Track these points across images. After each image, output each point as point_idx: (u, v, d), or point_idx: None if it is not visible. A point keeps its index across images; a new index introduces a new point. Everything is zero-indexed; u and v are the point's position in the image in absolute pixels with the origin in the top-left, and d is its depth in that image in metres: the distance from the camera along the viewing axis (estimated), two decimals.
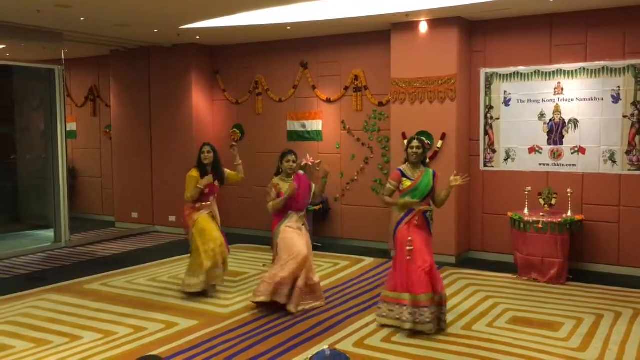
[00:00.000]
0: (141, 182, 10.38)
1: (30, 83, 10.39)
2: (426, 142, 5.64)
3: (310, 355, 1.85)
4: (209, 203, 6.41)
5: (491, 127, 7.80)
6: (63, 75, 9.19)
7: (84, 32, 8.58)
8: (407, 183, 5.27)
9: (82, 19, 7.60)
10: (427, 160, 5.51)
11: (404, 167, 5.37)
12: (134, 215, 10.53)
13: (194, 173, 6.28)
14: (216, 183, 6.41)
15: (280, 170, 5.96)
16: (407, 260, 5.11)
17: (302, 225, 5.95)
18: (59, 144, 9.12)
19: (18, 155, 11.22)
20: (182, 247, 8.86)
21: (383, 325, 5.27)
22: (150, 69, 10.21)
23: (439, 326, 5.13)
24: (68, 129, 9.78)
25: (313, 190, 6.07)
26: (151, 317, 5.67)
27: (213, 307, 5.96)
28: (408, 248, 5.12)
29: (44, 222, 9.87)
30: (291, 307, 5.68)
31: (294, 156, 5.93)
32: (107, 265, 7.88)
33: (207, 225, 6.28)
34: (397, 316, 5.14)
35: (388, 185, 5.41)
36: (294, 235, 5.82)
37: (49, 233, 9.34)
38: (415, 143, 5.31)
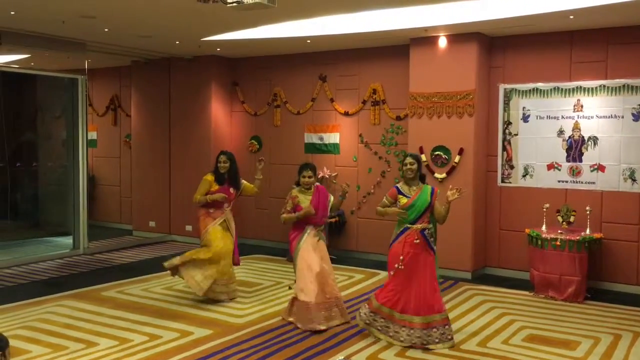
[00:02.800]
0: (159, 192, 10.47)
1: (53, 92, 10.58)
2: (423, 161, 5.84)
3: None
4: (222, 211, 6.45)
5: (509, 143, 7.77)
6: (86, 84, 9.34)
7: (107, 42, 8.73)
8: (403, 200, 5.22)
9: (106, 30, 7.74)
10: (425, 176, 5.49)
11: (401, 185, 5.34)
12: (152, 224, 10.62)
13: (209, 177, 6.41)
14: (232, 190, 6.46)
15: (299, 182, 5.97)
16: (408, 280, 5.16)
17: (319, 239, 5.86)
18: (80, 152, 9.25)
19: (40, 163, 11.39)
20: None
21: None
22: (170, 79, 10.34)
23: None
24: (89, 137, 9.93)
25: (331, 203, 6.04)
26: (166, 325, 5.70)
27: (228, 317, 5.98)
28: (397, 265, 5.17)
29: (63, 229, 9.99)
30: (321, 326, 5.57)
31: (310, 172, 5.87)
32: (124, 273, 7.94)
33: (214, 238, 6.37)
34: (392, 334, 5.20)
35: (384, 199, 5.39)
36: (309, 255, 5.72)
37: (68, 240, 9.45)
38: (408, 159, 5.29)
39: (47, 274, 7.92)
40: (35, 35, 8.02)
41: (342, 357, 1.80)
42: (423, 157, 7.94)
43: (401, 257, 5.14)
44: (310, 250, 5.75)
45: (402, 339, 5.11)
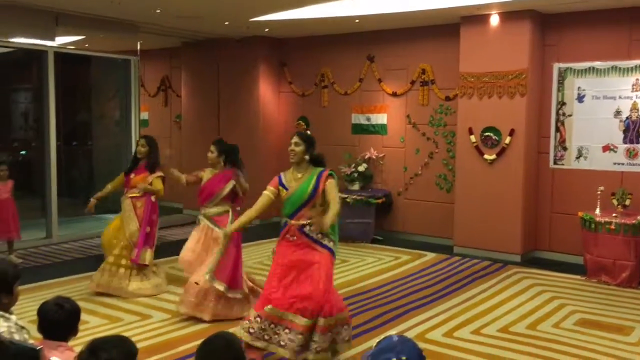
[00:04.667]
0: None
1: (107, 73, 10.86)
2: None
3: (377, 342, 1.87)
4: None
5: (563, 124, 7.56)
6: (138, 65, 9.55)
7: (158, 23, 8.89)
8: (283, 193, 4.26)
9: (157, 11, 7.87)
10: (321, 159, 4.42)
11: (285, 173, 4.36)
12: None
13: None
14: (132, 176, 6.10)
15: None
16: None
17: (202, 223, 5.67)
18: (133, 132, 9.50)
19: (94, 142, 11.75)
20: (245, 234, 9.06)
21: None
22: (219, 60, 10.46)
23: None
24: (141, 117, 10.17)
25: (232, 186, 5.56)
26: None
27: None
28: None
29: (116, 207, 10.28)
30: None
31: (213, 147, 5.72)
32: (176, 249, 8.13)
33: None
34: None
35: (265, 191, 4.34)
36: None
37: None
38: (293, 139, 4.31)
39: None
40: (90, 17, 8.23)
41: (395, 334, 1.81)
42: (472, 138, 7.82)
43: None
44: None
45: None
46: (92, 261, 7.45)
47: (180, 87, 11.21)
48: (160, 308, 5.61)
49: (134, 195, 6.08)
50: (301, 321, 4.02)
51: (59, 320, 2.68)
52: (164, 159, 5.95)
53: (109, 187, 6.32)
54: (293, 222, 4.20)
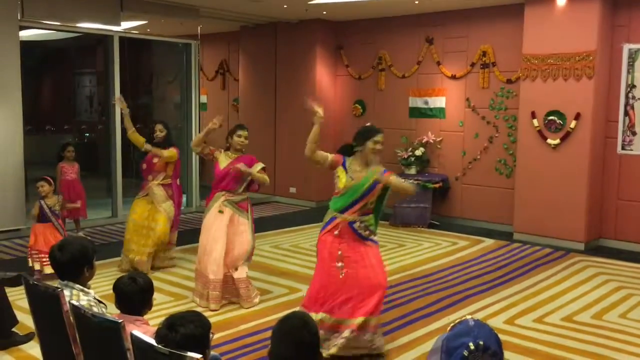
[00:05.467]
0: (265, 154, 10.73)
1: (167, 57, 11.10)
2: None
3: (452, 325, 1.86)
4: (146, 183, 6.22)
5: (632, 108, 7.26)
6: (199, 49, 9.72)
7: (218, 8, 9.00)
8: (343, 179, 4.12)
9: None
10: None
11: (351, 160, 4.21)
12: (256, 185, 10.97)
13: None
14: (155, 161, 6.12)
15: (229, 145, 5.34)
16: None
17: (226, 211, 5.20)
18: (193, 115, 9.70)
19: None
20: (301, 217, 9.16)
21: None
22: (276, 44, 10.51)
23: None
24: (200, 101, 10.36)
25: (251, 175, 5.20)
26: (275, 281, 5.95)
27: None
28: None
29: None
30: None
31: (247, 133, 5.36)
32: None
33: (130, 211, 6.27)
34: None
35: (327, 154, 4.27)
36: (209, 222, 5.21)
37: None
38: (379, 137, 4.14)
39: None
40: (153, 2, 8.41)
41: (471, 317, 1.81)
42: (535, 122, 7.61)
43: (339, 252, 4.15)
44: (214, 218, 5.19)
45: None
46: None
47: (238, 70, 11.34)
48: None
49: (164, 182, 6.16)
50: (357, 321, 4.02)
51: (133, 293, 2.80)
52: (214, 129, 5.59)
53: (134, 132, 6.16)
54: (346, 215, 4.12)
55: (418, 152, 8.96)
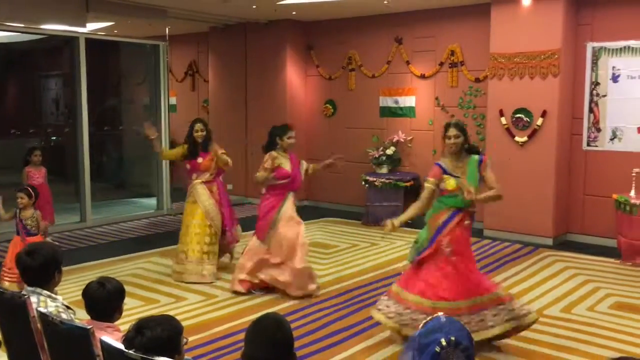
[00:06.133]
0: (236, 155, 10.66)
1: (135, 59, 10.96)
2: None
3: (424, 322, 1.88)
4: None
5: (597, 105, 7.42)
6: (167, 51, 9.62)
7: (187, 8, 8.91)
8: (451, 183, 4.27)
9: None
10: (476, 148, 4.53)
11: (443, 161, 4.41)
12: (229, 187, 10.84)
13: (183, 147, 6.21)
14: (199, 160, 6.10)
15: (274, 145, 5.53)
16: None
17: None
18: (162, 117, 9.60)
19: (124, 127, 11.90)
20: None
21: None
22: (246, 45, 10.46)
23: None
24: (169, 103, 10.25)
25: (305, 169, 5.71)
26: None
27: None
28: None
29: (147, 191, 10.46)
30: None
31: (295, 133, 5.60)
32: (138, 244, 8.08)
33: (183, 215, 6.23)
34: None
35: (426, 184, 4.42)
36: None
37: (152, 201, 9.90)
38: (452, 131, 4.30)
39: (136, 233, 8.35)
40: (120, 2, 8.29)
41: (441, 314, 1.82)
42: (503, 120, 7.74)
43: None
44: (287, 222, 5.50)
45: None
46: (126, 244, 7.61)
47: (208, 72, 11.26)
48: (195, 290, 5.69)
49: (207, 180, 6.11)
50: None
51: (102, 299, 2.75)
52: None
53: (165, 148, 6.44)
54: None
55: (389, 151, 9.01)
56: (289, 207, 5.51)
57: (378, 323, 4.57)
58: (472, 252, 4.56)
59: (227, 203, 6.31)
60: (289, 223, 5.48)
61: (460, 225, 4.32)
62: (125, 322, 4.02)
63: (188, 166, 6.16)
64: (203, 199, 6.05)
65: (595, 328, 4.73)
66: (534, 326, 4.72)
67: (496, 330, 4.21)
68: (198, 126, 6.08)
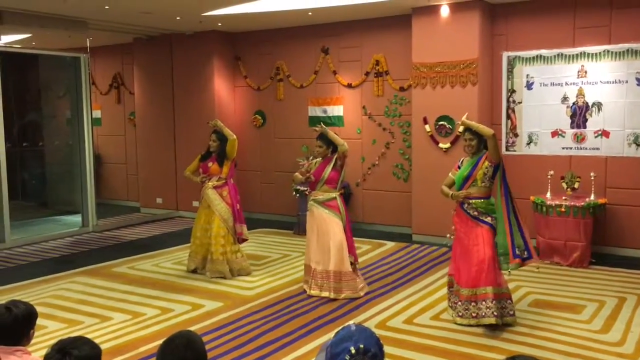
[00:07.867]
0: (165, 168, 10.54)
1: (56, 71, 10.59)
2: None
3: (336, 331, 1.91)
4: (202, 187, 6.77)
5: (513, 111, 7.77)
6: (88, 63, 9.34)
7: (108, 20, 8.70)
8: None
9: (106, 7, 7.71)
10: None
11: (466, 159, 5.17)
12: (159, 200, 10.71)
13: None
14: (210, 165, 6.68)
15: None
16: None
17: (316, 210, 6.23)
18: (85, 131, 9.30)
19: (45, 143, 11.45)
20: None
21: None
22: (172, 56, 10.32)
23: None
24: (93, 116, 9.95)
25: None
26: (178, 299, 5.81)
27: (237, 290, 6.09)
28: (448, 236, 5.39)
29: (71, 208, 10.10)
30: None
31: (320, 141, 6.15)
32: (134, 249, 8.05)
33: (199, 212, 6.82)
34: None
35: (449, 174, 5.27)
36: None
37: (77, 218, 9.56)
38: (467, 135, 5.06)
39: (59, 252, 8.04)
40: (36, 14, 7.99)
41: (353, 323, 1.87)
42: (427, 128, 7.97)
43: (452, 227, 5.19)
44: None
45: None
46: (48, 264, 7.31)
47: (133, 84, 11.01)
48: (120, 309, 5.54)
49: (217, 184, 6.58)
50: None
51: (8, 323, 2.62)
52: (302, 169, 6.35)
53: (188, 172, 6.85)
54: (459, 192, 5.01)
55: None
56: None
57: (311, 332, 4.64)
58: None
59: (237, 202, 6.69)
60: None
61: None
62: (46, 346, 3.88)
63: (201, 170, 6.72)
64: (216, 203, 6.54)
65: (523, 327, 4.90)
66: (456, 327, 4.89)
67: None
68: (212, 137, 6.64)
